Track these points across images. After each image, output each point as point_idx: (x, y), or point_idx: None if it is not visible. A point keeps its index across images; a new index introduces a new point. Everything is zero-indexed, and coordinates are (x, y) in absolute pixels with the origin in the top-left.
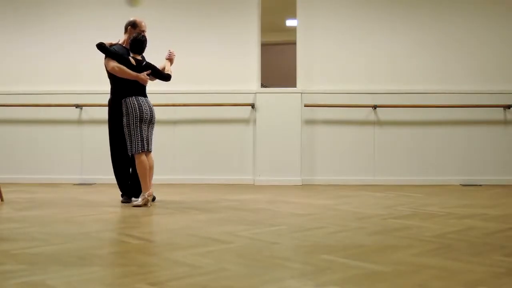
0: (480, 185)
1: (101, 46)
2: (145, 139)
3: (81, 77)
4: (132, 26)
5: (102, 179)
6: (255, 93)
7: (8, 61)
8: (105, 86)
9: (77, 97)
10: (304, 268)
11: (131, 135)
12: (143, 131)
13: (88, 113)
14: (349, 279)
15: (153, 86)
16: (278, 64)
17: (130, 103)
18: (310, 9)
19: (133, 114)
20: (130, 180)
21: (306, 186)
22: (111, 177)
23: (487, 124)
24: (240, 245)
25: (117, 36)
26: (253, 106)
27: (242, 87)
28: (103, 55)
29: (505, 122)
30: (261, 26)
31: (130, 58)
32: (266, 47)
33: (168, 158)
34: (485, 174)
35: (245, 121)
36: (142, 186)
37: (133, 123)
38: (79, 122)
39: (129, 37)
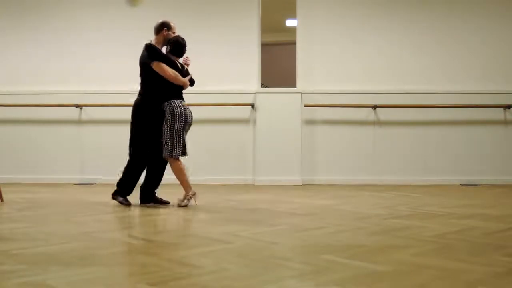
0: (480, 185)
1: (153, 49)
2: (184, 144)
3: (81, 77)
4: (167, 27)
5: (102, 179)
6: (255, 93)
7: (8, 61)
8: (105, 86)
9: (77, 97)
10: (304, 268)
11: (173, 139)
12: (184, 135)
13: (88, 113)
14: (349, 279)
15: None
16: (278, 64)
17: (176, 107)
18: (310, 9)
19: (179, 118)
20: (146, 182)
21: (306, 186)
22: (111, 177)
23: (487, 124)
24: (240, 245)
25: (117, 37)
26: (253, 106)
27: (242, 87)
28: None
29: (505, 122)
30: (261, 26)
31: (177, 61)
32: (266, 47)
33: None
34: (485, 174)
35: (245, 121)
36: (184, 187)
37: (178, 127)
38: (79, 122)
39: (164, 39)
